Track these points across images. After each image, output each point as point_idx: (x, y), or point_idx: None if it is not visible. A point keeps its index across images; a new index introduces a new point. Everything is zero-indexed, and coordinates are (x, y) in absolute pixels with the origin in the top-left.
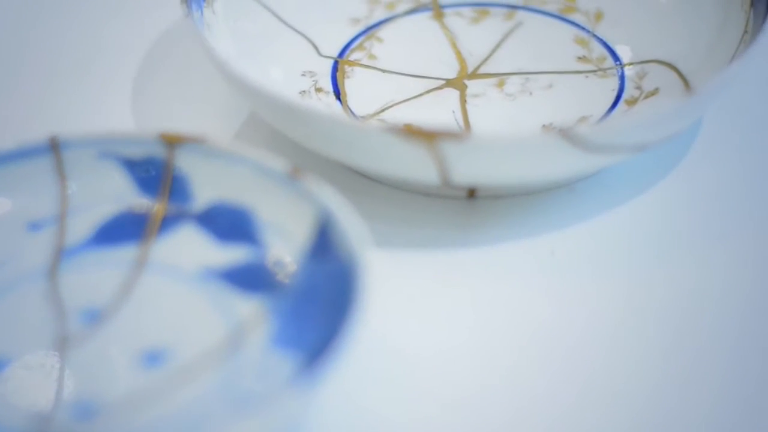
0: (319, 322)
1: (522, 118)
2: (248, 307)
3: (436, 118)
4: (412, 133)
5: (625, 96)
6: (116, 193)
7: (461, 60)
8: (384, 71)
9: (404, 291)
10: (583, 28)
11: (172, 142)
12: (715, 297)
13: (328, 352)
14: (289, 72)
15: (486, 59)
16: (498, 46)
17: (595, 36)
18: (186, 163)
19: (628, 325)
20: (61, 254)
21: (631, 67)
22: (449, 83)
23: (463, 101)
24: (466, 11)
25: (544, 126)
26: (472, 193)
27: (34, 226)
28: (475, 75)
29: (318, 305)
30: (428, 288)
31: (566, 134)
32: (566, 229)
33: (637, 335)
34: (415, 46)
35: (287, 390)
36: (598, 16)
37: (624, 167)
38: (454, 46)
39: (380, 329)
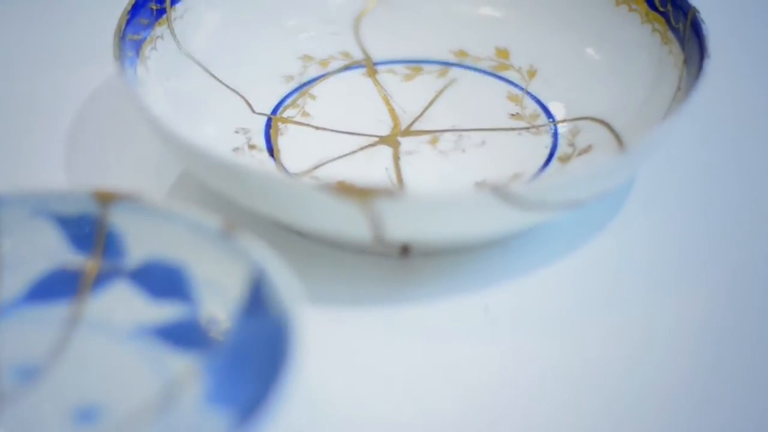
0: (252, 379)
1: (455, 175)
2: (182, 364)
3: (369, 175)
4: (344, 190)
5: (558, 153)
6: (50, 250)
7: (394, 117)
8: (317, 128)
9: (337, 348)
10: (516, 85)
11: (105, 199)
12: (651, 353)
13: (261, 409)
14: (222, 129)
15: (419, 116)
16: (431, 103)
17: (528, 93)
18: (119, 221)
19: (562, 381)
20: None
21: (564, 124)
22: (382, 140)
23: (396, 158)
24: (400, 68)
25: (477, 183)
26: (405, 251)
27: None
28: (408, 132)
29: (252, 362)
30: (362, 344)
31: (499, 192)
32: (500, 286)
33: (572, 392)
34: (348, 103)
35: None
36: (531, 73)
37: (558, 224)
38: (388, 103)
39: (313, 385)
